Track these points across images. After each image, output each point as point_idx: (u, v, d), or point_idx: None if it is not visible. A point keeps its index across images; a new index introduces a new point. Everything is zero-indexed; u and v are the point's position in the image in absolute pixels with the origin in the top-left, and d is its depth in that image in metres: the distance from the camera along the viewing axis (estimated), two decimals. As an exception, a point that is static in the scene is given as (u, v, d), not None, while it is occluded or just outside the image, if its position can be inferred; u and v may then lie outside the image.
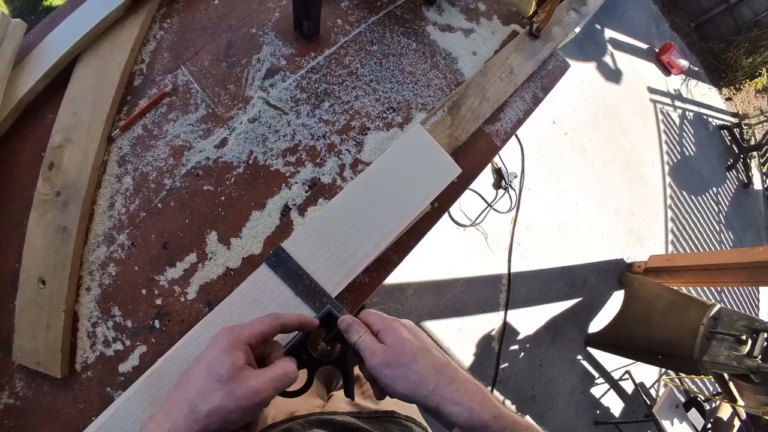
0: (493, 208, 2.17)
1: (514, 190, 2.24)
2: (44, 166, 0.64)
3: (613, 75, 2.95)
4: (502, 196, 2.20)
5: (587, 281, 2.41)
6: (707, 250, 3.02)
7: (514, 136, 2.28)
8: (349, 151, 0.70)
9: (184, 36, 0.74)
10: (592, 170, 2.61)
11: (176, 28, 0.74)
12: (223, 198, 0.64)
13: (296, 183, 0.66)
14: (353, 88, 0.74)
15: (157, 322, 0.59)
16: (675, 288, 2.18)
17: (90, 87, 0.68)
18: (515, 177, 2.24)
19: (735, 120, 3.82)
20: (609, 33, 3.04)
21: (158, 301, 0.60)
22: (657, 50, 3.30)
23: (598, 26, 3.00)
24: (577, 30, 2.67)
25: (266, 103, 0.69)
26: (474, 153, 0.74)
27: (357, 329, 0.49)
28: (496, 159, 2.16)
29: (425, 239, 0.69)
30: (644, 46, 3.25)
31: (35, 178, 0.63)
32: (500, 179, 2.19)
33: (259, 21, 0.75)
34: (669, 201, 2.93)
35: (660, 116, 3.11)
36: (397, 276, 1.78)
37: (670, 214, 2.91)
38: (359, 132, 0.71)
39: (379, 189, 0.60)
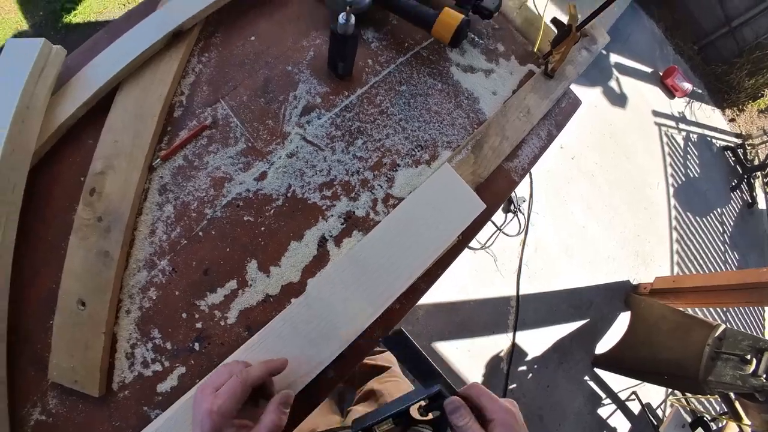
0: (503, 232, 2.21)
1: (523, 214, 2.28)
2: (85, 191, 0.65)
3: (618, 99, 3.01)
4: (511, 220, 2.24)
5: (594, 303, 2.43)
6: (713, 270, 3.03)
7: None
8: (381, 187, 0.73)
9: (223, 70, 0.77)
10: (598, 194, 2.65)
11: (214, 62, 0.77)
12: (263, 228, 0.67)
13: (332, 216, 0.69)
14: (384, 126, 0.77)
15: (197, 344, 0.61)
16: (681, 309, 2.20)
17: (131, 116, 0.70)
18: (524, 201, 2.29)
19: (739, 141, 3.85)
20: (614, 58, 3.11)
21: (198, 325, 0.62)
22: (661, 74, 3.36)
23: (604, 51, 3.06)
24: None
25: (303, 139, 0.73)
26: (494, 188, 0.78)
27: (464, 414, 0.48)
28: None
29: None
30: (648, 69, 3.31)
31: (73, 202, 0.65)
32: (509, 203, 2.24)
33: (295, 59, 0.79)
34: (674, 222, 2.96)
35: (665, 139, 3.15)
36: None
37: (675, 235, 2.93)
38: (390, 168, 0.74)
39: (412, 224, 0.65)
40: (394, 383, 0.91)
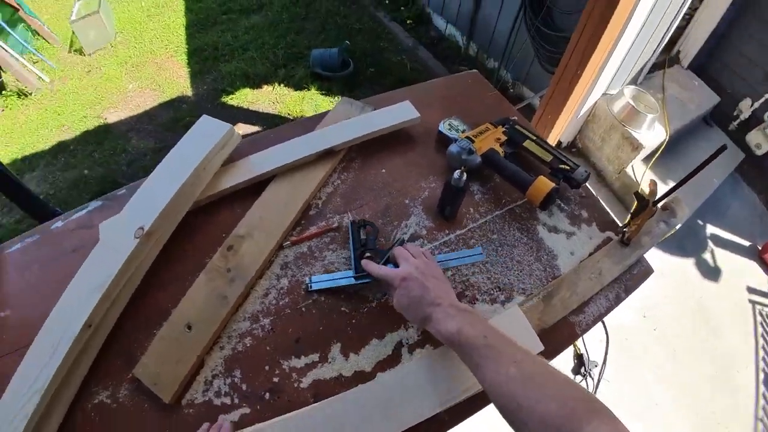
0: (569, 395, 2.09)
1: (593, 378, 2.13)
2: (224, 245, 0.81)
3: (711, 273, 2.86)
4: (579, 383, 2.10)
5: (661, 495, 2.13)
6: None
7: (601, 325, 2.24)
8: (459, 313, 0.84)
9: (355, 189, 0.96)
10: (677, 369, 2.43)
11: (350, 181, 0.97)
12: (354, 321, 0.79)
13: (412, 327, 0.79)
14: (472, 265, 0.88)
15: (268, 394, 0.70)
16: None
17: (279, 203, 0.88)
18: (596, 366, 2.16)
19: None
20: (711, 229, 3.03)
21: (275, 379, 0.71)
22: (760, 248, 3.19)
23: (700, 222, 3.01)
24: (678, 226, 2.65)
25: (404, 259, 0.88)
26: (557, 337, 0.83)
27: (370, 266, 0.75)
28: (579, 344, 2.10)
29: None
30: (747, 243, 3.16)
31: (210, 250, 0.81)
32: (580, 365, 2.12)
33: (412, 195, 0.97)
34: (761, 413, 2.61)
35: (759, 318, 2.89)
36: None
37: (761, 427, 2.58)
38: (470, 301, 0.84)
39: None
40: None
